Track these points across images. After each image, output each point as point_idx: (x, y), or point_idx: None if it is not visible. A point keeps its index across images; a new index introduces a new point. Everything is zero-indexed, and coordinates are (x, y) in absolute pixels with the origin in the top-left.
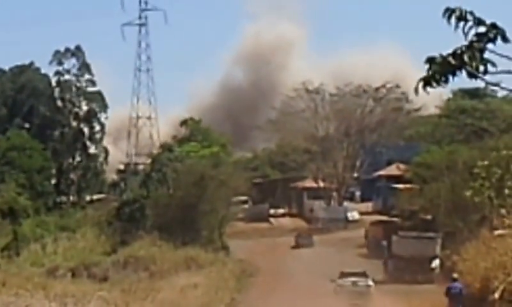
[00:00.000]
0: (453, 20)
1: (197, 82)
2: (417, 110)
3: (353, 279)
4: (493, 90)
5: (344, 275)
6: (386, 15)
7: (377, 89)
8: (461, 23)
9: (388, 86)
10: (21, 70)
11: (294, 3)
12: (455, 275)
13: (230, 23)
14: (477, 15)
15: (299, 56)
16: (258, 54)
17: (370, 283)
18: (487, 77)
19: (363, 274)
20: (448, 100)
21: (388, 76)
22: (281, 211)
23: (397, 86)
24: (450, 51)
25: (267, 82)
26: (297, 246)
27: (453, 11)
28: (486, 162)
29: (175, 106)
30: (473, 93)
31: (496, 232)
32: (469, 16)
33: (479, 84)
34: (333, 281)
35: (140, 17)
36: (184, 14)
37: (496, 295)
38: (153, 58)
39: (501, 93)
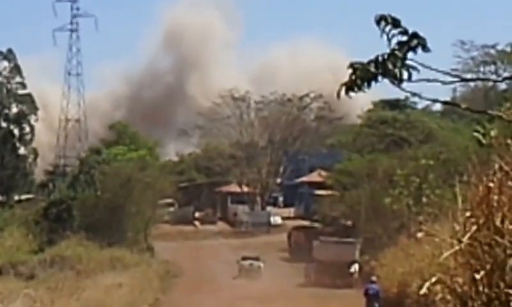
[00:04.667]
0: (382, 25)
1: (122, 75)
2: (339, 119)
3: (250, 261)
4: (413, 102)
5: (244, 258)
6: (314, 12)
7: (301, 98)
8: (387, 30)
9: (312, 95)
10: None
11: None
12: (373, 277)
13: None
14: (404, 23)
15: (222, 47)
16: (181, 44)
17: (261, 264)
18: (407, 87)
19: (257, 258)
20: (369, 110)
21: (316, 76)
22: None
23: (321, 96)
24: (372, 57)
25: (187, 73)
26: (202, 223)
27: (384, 17)
28: (405, 171)
29: (102, 102)
30: (393, 104)
31: (420, 234)
32: (397, 24)
33: (400, 94)
34: (238, 262)
35: (72, 23)
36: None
37: (424, 290)
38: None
39: (421, 105)
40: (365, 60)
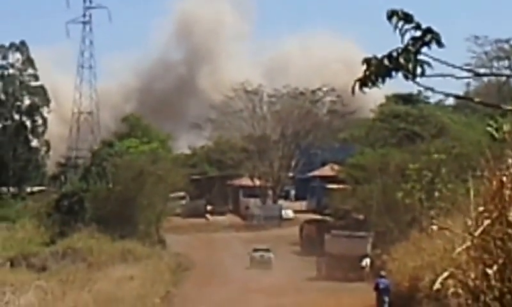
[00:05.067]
0: (394, 20)
1: (135, 65)
2: (352, 113)
3: (261, 253)
4: (426, 96)
5: (255, 250)
6: (327, 3)
7: (313, 91)
8: (400, 25)
9: (325, 89)
10: None
11: None
12: (382, 272)
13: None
14: (417, 17)
15: (234, 39)
16: (192, 36)
17: (271, 255)
18: (421, 81)
19: (268, 250)
20: (382, 104)
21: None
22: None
23: (333, 89)
24: (386, 52)
25: (200, 62)
26: (212, 213)
27: (395, 12)
28: (417, 165)
29: (114, 95)
30: (406, 98)
31: (433, 227)
32: (409, 19)
33: (414, 88)
34: (249, 253)
35: (84, 15)
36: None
37: (437, 285)
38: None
39: (433, 99)
40: (378, 53)
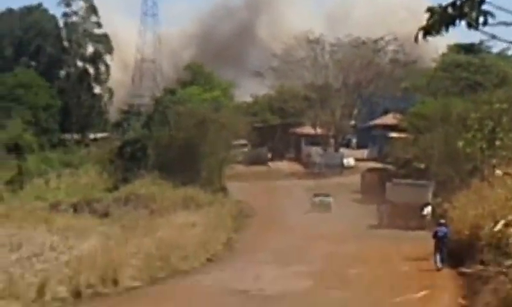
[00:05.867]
0: None
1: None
2: (414, 62)
3: (321, 197)
4: (488, 46)
5: (316, 195)
6: None
7: (375, 41)
8: None
9: (387, 38)
10: (29, 10)
11: None
12: (442, 220)
13: None
14: None
15: None
16: None
17: (331, 200)
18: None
19: (327, 195)
20: (444, 54)
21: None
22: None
23: (395, 39)
24: (450, 1)
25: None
26: (272, 159)
27: None
28: (478, 115)
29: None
30: (468, 48)
31: (497, 171)
32: None
33: (475, 37)
34: (310, 198)
35: None
36: None
37: (499, 226)
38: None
39: (496, 49)
40: (443, 1)
